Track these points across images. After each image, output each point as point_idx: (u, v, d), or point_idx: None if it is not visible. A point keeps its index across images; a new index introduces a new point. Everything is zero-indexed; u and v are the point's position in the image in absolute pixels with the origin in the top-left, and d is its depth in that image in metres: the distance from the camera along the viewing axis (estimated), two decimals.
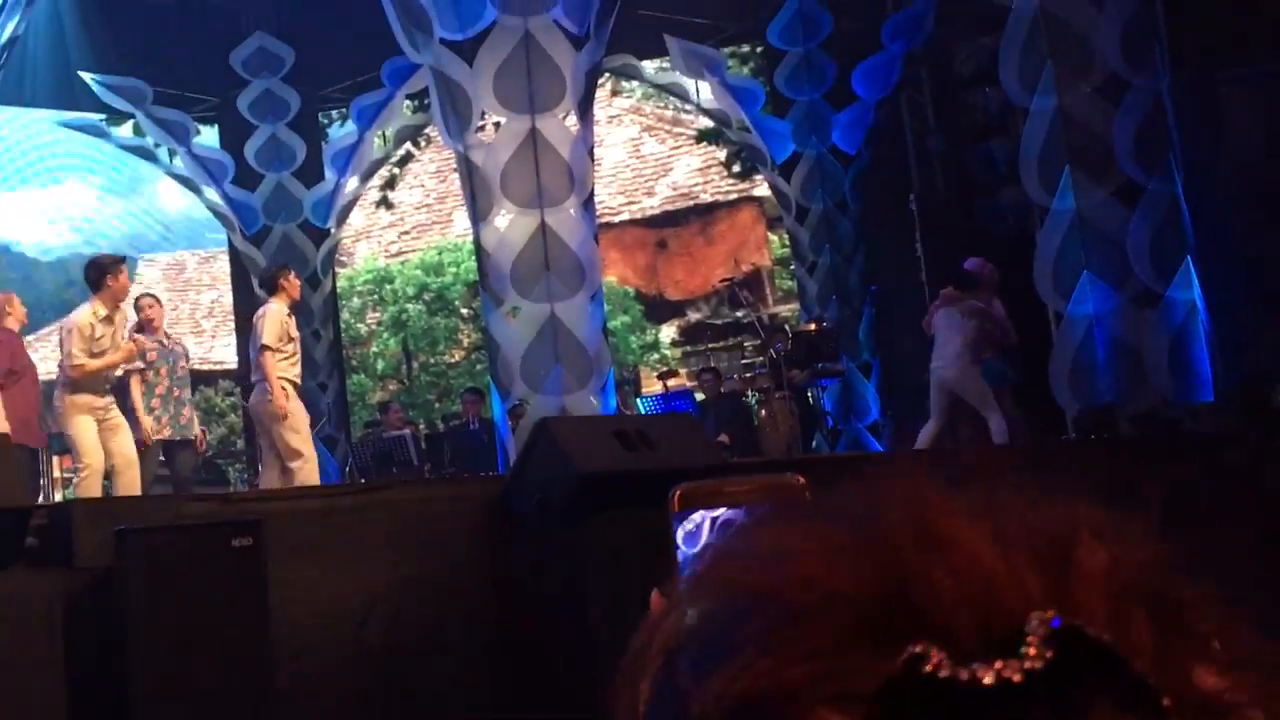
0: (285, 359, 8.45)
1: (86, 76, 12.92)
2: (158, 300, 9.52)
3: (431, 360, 18.76)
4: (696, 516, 1.29)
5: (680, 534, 1.30)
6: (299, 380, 8.69)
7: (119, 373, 8.29)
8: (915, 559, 0.42)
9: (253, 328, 8.59)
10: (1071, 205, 8.81)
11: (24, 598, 4.17)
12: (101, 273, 7.99)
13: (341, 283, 16.70)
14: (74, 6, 13.26)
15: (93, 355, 7.88)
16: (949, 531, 0.43)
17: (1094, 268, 8.76)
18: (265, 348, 8.27)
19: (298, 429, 8.48)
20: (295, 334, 8.61)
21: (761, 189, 17.67)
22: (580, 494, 4.60)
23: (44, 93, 13.41)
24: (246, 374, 9.33)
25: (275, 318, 8.42)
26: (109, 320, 7.99)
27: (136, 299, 9.22)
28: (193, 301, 23.34)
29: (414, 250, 20.96)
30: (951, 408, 9.02)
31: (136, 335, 8.55)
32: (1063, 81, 8.80)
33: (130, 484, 8.02)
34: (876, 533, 0.44)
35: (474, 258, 10.57)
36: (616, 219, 19.34)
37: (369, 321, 19.23)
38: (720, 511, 1.28)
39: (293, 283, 8.71)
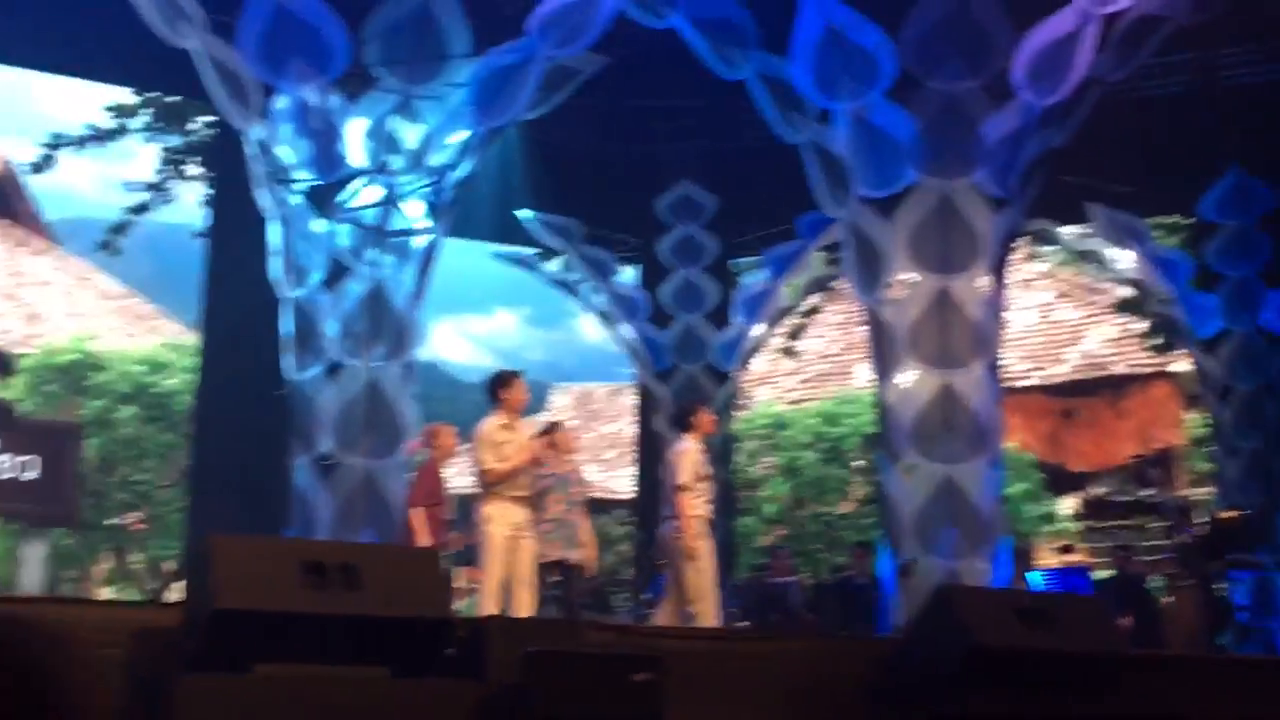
0: (698, 496, 8.68)
1: (523, 214, 13.87)
2: (564, 427, 9.99)
3: (821, 509, 18.71)
4: None
5: None
6: (711, 517, 8.89)
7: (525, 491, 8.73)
8: None
9: (668, 463, 8.88)
10: None
11: (444, 706, 4.40)
12: (497, 385, 8.77)
13: (738, 425, 16.96)
14: (519, 150, 14.28)
15: (500, 460, 8.41)
16: None
17: None
18: (680, 486, 8.53)
19: (704, 569, 8.66)
20: (707, 471, 8.85)
21: (1179, 364, 16.85)
22: (973, 667, 4.44)
23: (484, 227, 14.44)
24: (643, 505, 9.60)
25: (690, 455, 8.70)
26: (510, 428, 8.54)
27: (549, 425, 9.73)
28: (598, 431, 24.33)
29: (812, 399, 21.12)
30: None
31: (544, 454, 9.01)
32: None
33: (526, 602, 8.37)
34: None
35: (872, 410, 10.54)
36: (1022, 384, 18.87)
37: (762, 465, 19.42)
38: None
39: (707, 419, 8.97)
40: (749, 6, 9.77)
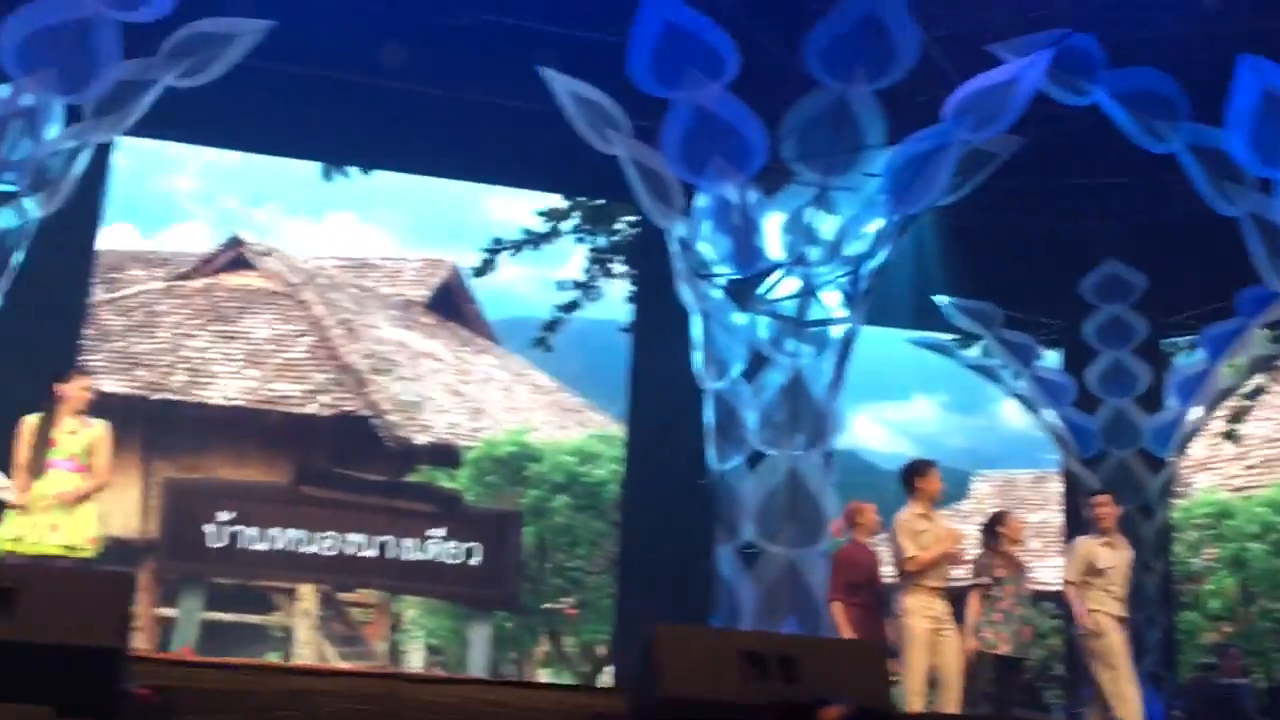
0: (1099, 590, 8.36)
1: (940, 299, 13.70)
2: (1019, 518, 9.75)
3: (1273, 606, 17.29)
4: None
5: None
6: (1120, 614, 8.48)
7: (964, 582, 8.56)
8: None
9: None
10: None
11: None
12: (913, 474, 8.76)
13: (1177, 514, 15.99)
14: (934, 235, 14.16)
15: (920, 549, 8.30)
16: None
17: None
18: (1068, 582, 8.29)
19: (1117, 669, 8.23)
20: (1106, 564, 8.50)
21: None
22: None
23: (901, 314, 14.36)
24: None
25: (1084, 548, 8.46)
26: (927, 517, 8.43)
27: (996, 515, 9.55)
28: (1021, 519, 23.51)
29: (1259, 486, 19.66)
30: None
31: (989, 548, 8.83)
32: None
33: (951, 699, 8.16)
34: None
35: None
36: None
37: (1204, 557, 18.18)
38: None
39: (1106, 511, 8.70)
40: (1175, 76, 9.37)
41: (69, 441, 7.88)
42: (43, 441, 7.83)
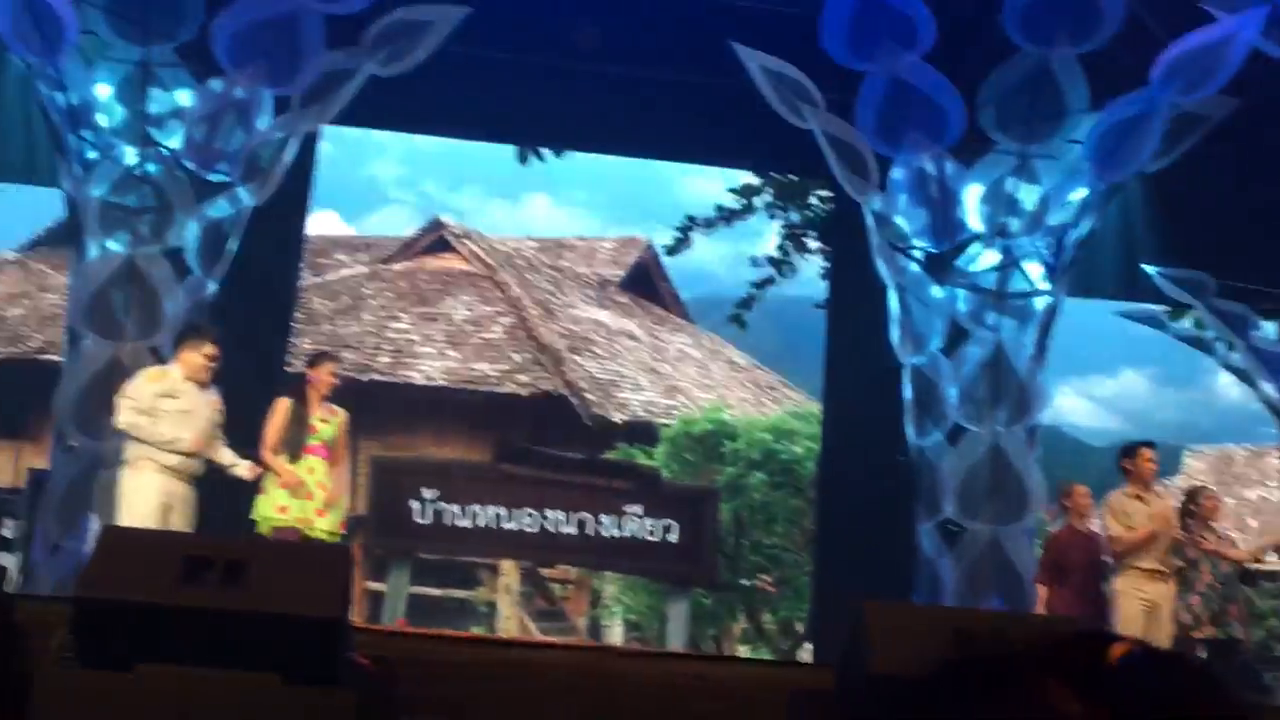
0: None
1: (1150, 269, 13.23)
2: (1216, 495, 9.43)
3: None
4: None
5: None
6: None
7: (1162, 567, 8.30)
8: None
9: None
10: None
11: None
12: (1121, 457, 8.85)
13: None
14: (1143, 203, 13.68)
15: (1128, 530, 8.09)
16: None
17: None
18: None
19: None
20: None
21: None
22: None
23: (1107, 285, 13.92)
24: None
25: None
26: (1139, 498, 8.20)
27: (1190, 492, 9.22)
28: (1238, 496, 22.63)
29: None
30: None
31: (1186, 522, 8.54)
32: None
33: None
34: None
35: None
36: None
37: None
38: None
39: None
40: None
41: (323, 428, 8.24)
42: (297, 424, 8.17)
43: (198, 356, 8.21)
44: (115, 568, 4.05)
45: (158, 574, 3.99)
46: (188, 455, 7.99)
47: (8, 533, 12.45)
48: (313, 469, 8.16)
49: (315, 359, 8.58)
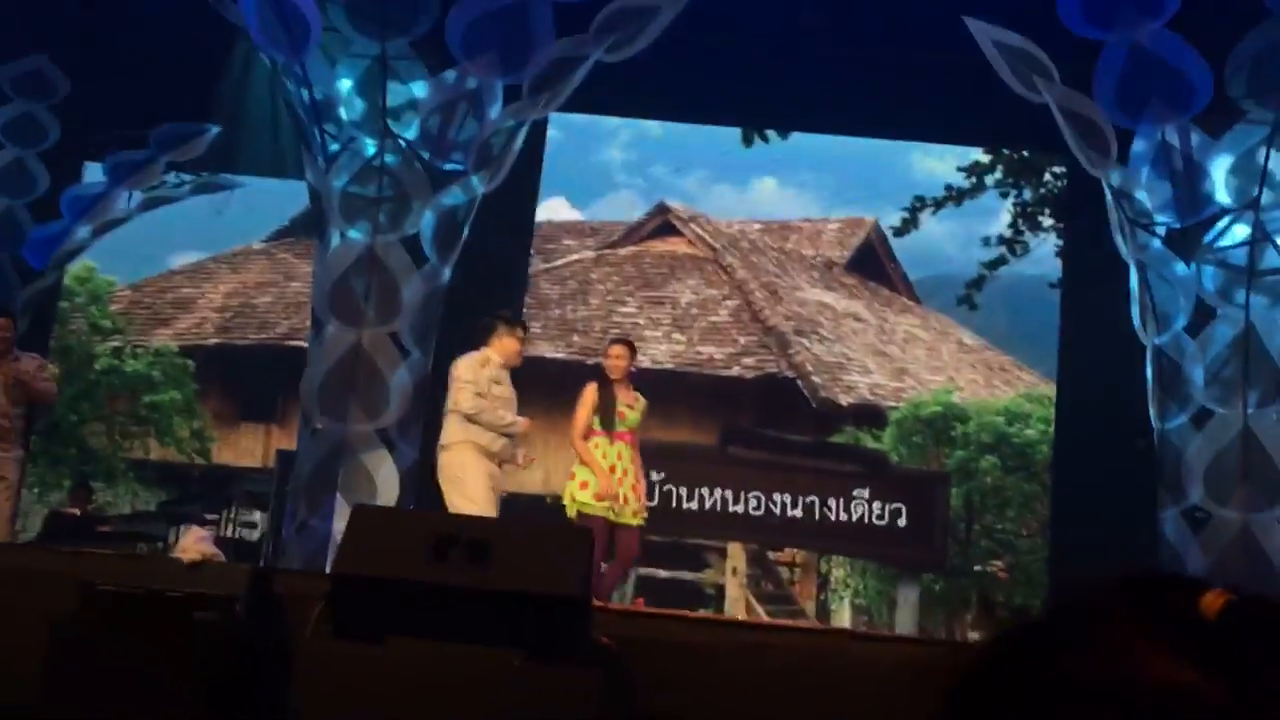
0: None
1: None
2: None
3: None
4: None
5: None
6: None
7: None
8: None
9: None
10: None
11: None
12: None
13: None
14: None
15: None
16: None
17: None
18: None
19: None
20: None
21: None
22: None
23: None
24: None
25: None
26: None
27: None
28: None
29: None
30: None
31: None
32: None
33: None
34: None
35: None
36: None
37: None
38: None
39: None
40: None
41: (629, 414, 8.40)
42: (607, 409, 8.32)
43: (513, 342, 8.43)
44: (368, 545, 4.20)
45: (407, 552, 4.13)
46: (509, 438, 8.23)
47: (255, 517, 13.08)
48: (620, 454, 8.29)
49: (614, 343, 8.76)
